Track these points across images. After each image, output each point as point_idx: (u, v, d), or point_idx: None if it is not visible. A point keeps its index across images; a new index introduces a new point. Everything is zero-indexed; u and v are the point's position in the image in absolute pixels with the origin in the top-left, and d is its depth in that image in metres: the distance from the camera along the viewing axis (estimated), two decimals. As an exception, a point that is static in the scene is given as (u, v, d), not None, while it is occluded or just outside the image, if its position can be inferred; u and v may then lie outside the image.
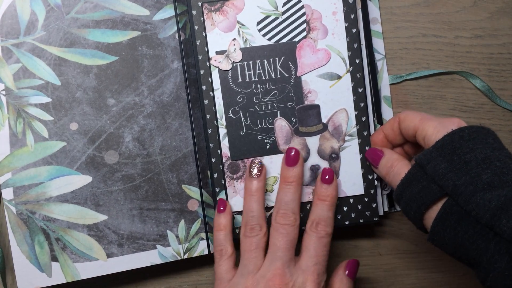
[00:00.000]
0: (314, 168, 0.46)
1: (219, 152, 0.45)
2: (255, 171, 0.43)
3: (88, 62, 0.42)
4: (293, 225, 0.40)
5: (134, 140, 0.43)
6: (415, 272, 0.50)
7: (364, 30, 0.46)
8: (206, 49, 0.45)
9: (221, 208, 0.44)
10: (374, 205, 0.46)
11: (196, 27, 0.45)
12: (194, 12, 0.44)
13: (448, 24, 0.49)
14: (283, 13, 0.45)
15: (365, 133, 0.45)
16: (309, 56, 0.45)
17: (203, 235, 0.44)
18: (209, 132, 0.45)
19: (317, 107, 0.45)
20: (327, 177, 0.42)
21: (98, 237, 0.42)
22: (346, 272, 0.43)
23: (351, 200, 0.46)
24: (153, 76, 0.43)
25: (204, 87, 0.45)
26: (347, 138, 0.46)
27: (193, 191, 0.44)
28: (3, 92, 0.40)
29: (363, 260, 0.50)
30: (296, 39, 0.45)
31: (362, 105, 0.45)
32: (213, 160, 0.45)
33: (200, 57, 0.45)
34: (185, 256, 0.44)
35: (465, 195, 0.33)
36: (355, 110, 0.45)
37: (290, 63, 0.45)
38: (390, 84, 0.49)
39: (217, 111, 0.45)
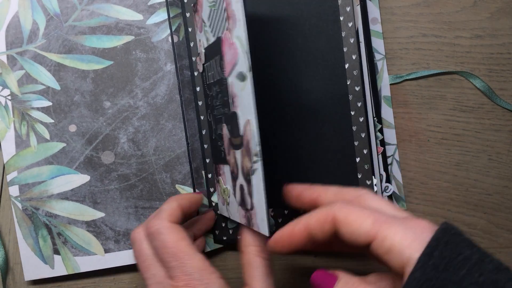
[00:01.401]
0: (241, 188, 0.39)
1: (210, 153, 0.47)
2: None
3: (85, 67, 0.46)
4: None
5: (129, 141, 0.46)
6: None
7: (364, 30, 0.45)
8: (198, 51, 0.46)
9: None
10: None
11: (190, 29, 0.47)
12: (187, 14, 0.46)
13: (448, 24, 0.49)
14: (216, 3, 0.38)
15: (363, 135, 0.41)
16: (228, 52, 0.37)
17: (196, 233, 0.47)
18: (203, 133, 0.47)
19: (234, 116, 0.37)
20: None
21: (96, 233, 0.46)
22: None
23: None
24: (147, 79, 0.46)
25: (198, 88, 0.47)
26: (254, 158, 0.35)
27: (187, 191, 0.47)
28: (9, 97, 0.45)
29: (363, 260, 0.51)
30: (222, 34, 0.38)
31: (359, 104, 0.40)
32: (207, 160, 0.47)
33: (194, 59, 0.47)
34: (179, 254, 0.46)
35: None
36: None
37: (222, 62, 0.39)
38: (390, 84, 0.49)
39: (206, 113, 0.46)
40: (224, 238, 0.48)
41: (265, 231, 0.35)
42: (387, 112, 0.49)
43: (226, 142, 0.41)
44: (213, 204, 0.48)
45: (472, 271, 0.25)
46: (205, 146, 0.47)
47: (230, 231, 0.48)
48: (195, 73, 0.47)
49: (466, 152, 0.50)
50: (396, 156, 0.49)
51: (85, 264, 0.46)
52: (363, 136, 0.42)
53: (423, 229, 0.28)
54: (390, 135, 0.49)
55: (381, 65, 0.48)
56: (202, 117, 0.47)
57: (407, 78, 0.49)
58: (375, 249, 0.28)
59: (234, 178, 0.40)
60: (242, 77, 0.35)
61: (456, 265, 0.25)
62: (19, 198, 0.46)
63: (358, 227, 0.29)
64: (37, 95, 0.45)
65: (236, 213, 0.41)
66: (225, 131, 0.41)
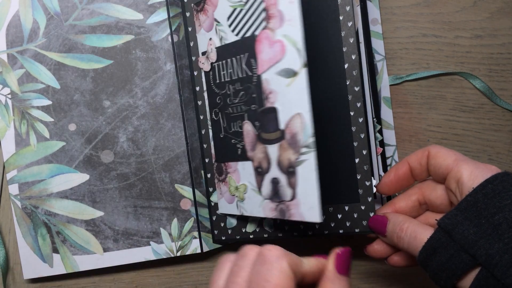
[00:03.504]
0: (274, 182, 0.42)
1: (211, 152, 0.49)
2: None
3: (85, 66, 0.48)
4: None
5: (129, 140, 0.49)
6: (415, 272, 0.53)
7: (364, 31, 0.46)
8: (197, 50, 0.49)
9: None
10: (371, 215, 0.44)
11: (189, 29, 0.49)
12: (188, 14, 0.49)
13: (448, 24, 0.51)
14: (246, 2, 0.42)
15: (362, 136, 0.43)
16: (267, 50, 0.40)
17: (195, 233, 0.49)
18: (203, 133, 0.50)
19: (274, 111, 0.40)
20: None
21: (95, 232, 0.49)
22: (336, 270, 0.35)
23: (346, 208, 0.45)
24: (147, 78, 0.49)
25: (197, 88, 0.49)
26: (303, 150, 0.38)
27: (186, 191, 0.49)
28: (9, 96, 0.47)
29: (363, 260, 0.53)
30: (257, 32, 0.41)
31: (358, 105, 0.42)
32: (207, 160, 0.50)
33: (193, 58, 0.49)
34: (178, 254, 0.49)
35: (501, 267, 0.31)
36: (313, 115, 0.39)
37: (252, 60, 0.42)
38: (390, 85, 0.51)
39: (207, 112, 0.49)
40: (223, 238, 0.50)
41: (316, 218, 0.39)
42: (386, 113, 0.51)
43: (250, 139, 0.44)
44: (212, 204, 0.50)
45: (508, 203, 0.33)
46: (205, 146, 0.49)
47: (229, 231, 0.50)
48: (195, 73, 0.49)
49: (466, 152, 0.52)
50: (396, 157, 0.51)
51: (84, 263, 0.49)
52: (362, 137, 0.44)
53: (489, 171, 0.35)
54: (390, 136, 0.52)
55: (381, 66, 0.51)
56: (201, 117, 0.49)
57: (406, 79, 0.51)
58: (449, 178, 0.38)
59: (262, 173, 0.43)
60: (289, 74, 0.39)
61: (504, 196, 0.33)
62: (18, 197, 0.48)
63: (443, 160, 0.38)
64: (37, 94, 0.48)
65: (258, 208, 0.44)
66: (248, 127, 0.44)
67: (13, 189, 0.48)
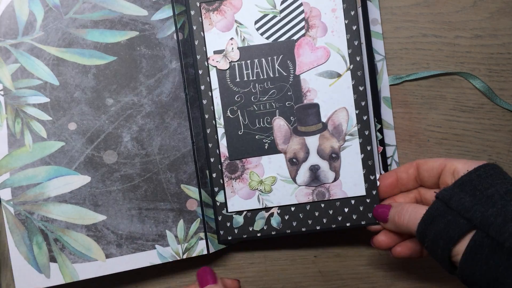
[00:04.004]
0: (314, 168, 0.49)
1: (217, 152, 0.49)
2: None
3: (86, 62, 0.46)
4: None
5: (133, 140, 0.47)
6: (415, 272, 0.54)
7: (364, 31, 0.50)
8: (205, 49, 0.49)
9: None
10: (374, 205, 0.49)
11: (194, 27, 0.49)
12: (192, 12, 0.49)
13: (448, 24, 0.53)
14: (281, 11, 0.49)
15: (366, 132, 0.49)
16: (308, 55, 0.49)
17: (202, 235, 0.49)
18: (208, 132, 0.50)
19: (316, 106, 0.49)
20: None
21: (97, 237, 0.46)
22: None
23: (352, 201, 0.49)
24: (152, 76, 0.48)
25: (202, 87, 0.49)
26: (347, 137, 0.49)
27: (192, 191, 0.48)
28: (1, 92, 0.44)
29: (363, 260, 0.55)
30: (295, 37, 0.49)
31: (363, 103, 0.48)
32: (212, 160, 0.50)
33: (198, 57, 0.49)
34: (184, 256, 0.48)
35: (496, 226, 0.35)
36: (356, 109, 0.49)
37: (288, 62, 0.49)
38: (390, 85, 0.53)
39: (215, 111, 0.49)
40: (229, 238, 0.50)
41: (362, 191, 0.49)
42: (386, 113, 0.53)
43: (282, 133, 0.49)
44: (218, 204, 0.50)
45: (499, 182, 0.38)
46: (210, 145, 0.50)
47: (236, 231, 0.50)
48: (200, 72, 0.50)
49: (466, 152, 0.54)
50: (396, 157, 0.54)
51: (85, 271, 0.47)
52: (366, 134, 0.49)
53: (480, 162, 0.41)
54: (390, 136, 0.54)
55: (381, 66, 0.53)
56: (206, 116, 0.50)
57: (406, 79, 0.53)
58: (444, 173, 0.43)
59: (296, 163, 0.50)
60: (332, 75, 0.49)
61: (495, 177, 0.39)
62: (11, 202, 0.45)
63: (434, 162, 0.44)
64: (33, 91, 0.45)
65: (289, 196, 0.50)
66: (280, 122, 0.49)
67: (5, 194, 0.45)
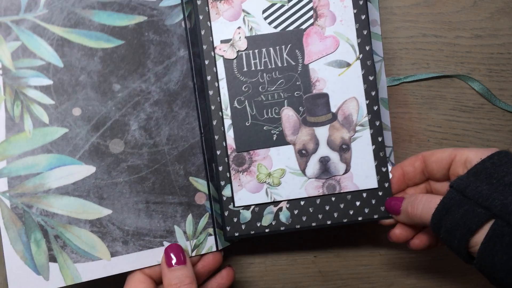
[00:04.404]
0: (324, 160, 0.49)
1: (224, 144, 0.49)
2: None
3: (93, 45, 0.44)
4: None
5: (141, 128, 0.45)
6: (415, 272, 0.55)
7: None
8: (211, 39, 0.49)
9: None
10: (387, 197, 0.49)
11: (200, 17, 0.49)
12: (198, 2, 0.49)
13: (448, 24, 0.55)
14: (290, 0, 0.49)
15: (377, 123, 0.49)
16: (317, 44, 0.49)
17: (211, 230, 0.47)
18: (214, 124, 0.49)
19: (325, 96, 0.49)
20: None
21: (102, 233, 0.43)
22: (166, 264, 0.44)
23: (364, 195, 0.49)
24: (160, 63, 0.47)
25: (208, 77, 0.49)
26: (358, 128, 0.49)
27: (201, 184, 0.47)
28: (0, 72, 0.41)
29: (363, 260, 0.56)
30: (303, 27, 0.49)
31: (373, 93, 0.49)
32: (218, 152, 0.49)
33: (204, 47, 0.49)
34: (193, 254, 0.46)
35: None
36: (366, 99, 0.49)
37: (297, 51, 0.49)
38: (388, 86, 0.55)
39: (222, 102, 0.49)
40: (236, 234, 0.49)
41: (374, 184, 0.49)
42: (383, 114, 0.55)
43: (291, 123, 0.49)
44: (224, 198, 0.49)
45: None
46: (216, 137, 0.49)
47: (243, 226, 0.49)
48: (206, 62, 0.49)
49: None
50: (392, 159, 0.55)
51: (88, 271, 0.43)
52: (377, 124, 0.50)
53: (492, 150, 0.41)
54: (386, 137, 0.55)
55: (379, 67, 0.55)
56: (213, 107, 0.49)
57: (404, 81, 0.55)
58: (455, 164, 0.43)
59: (306, 154, 0.49)
60: (341, 64, 0.49)
61: (510, 164, 0.39)
62: (7, 194, 0.41)
63: (442, 153, 0.44)
64: (35, 72, 0.42)
65: (298, 190, 0.49)
66: (289, 113, 0.49)
67: (1, 184, 0.41)
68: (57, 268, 0.42)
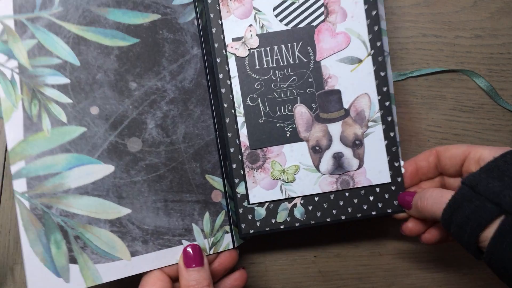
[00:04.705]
0: (337, 156, 0.50)
1: (237, 141, 0.49)
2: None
3: (108, 43, 0.45)
4: None
5: (157, 127, 0.46)
6: (415, 272, 0.56)
7: None
8: (222, 37, 0.50)
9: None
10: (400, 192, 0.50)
11: (211, 15, 0.50)
12: (209, 0, 0.50)
13: (448, 24, 0.56)
14: None
15: (389, 119, 0.50)
16: (328, 40, 0.50)
17: (227, 228, 0.48)
18: (227, 121, 0.49)
19: (338, 93, 0.50)
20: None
21: (121, 233, 0.43)
22: (184, 265, 0.45)
23: (377, 189, 0.50)
24: (174, 61, 0.47)
25: (220, 75, 0.50)
26: (370, 124, 0.50)
27: (217, 181, 0.48)
28: (16, 70, 0.41)
29: (363, 260, 0.57)
30: (314, 23, 0.50)
31: (385, 89, 0.50)
32: (232, 150, 0.49)
33: (216, 45, 0.50)
34: (211, 252, 0.47)
35: None
36: (378, 95, 0.50)
37: (308, 48, 0.50)
38: (394, 81, 0.56)
39: (235, 99, 0.49)
40: (251, 231, 0.50)
41: (387, 178, 0.49)
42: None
43: (304, 120, 0.50)
44: (238, 196, 0.49)
45: None
46: (229, 135, 0.49)
47: (258, 223, 0.50)
48: (218, 60, 0.49)
49: None
50: (399, 153, 0.56)
51: (108, 272, 0.43)
52: (389, 120, 0.52)
53: (505, 148, 0.41)
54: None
55: (385, 62, 0.56)
56: (225, 105, 0.49)
57: (410, 75, 0.56)
58: (468, 161, 0.44)
59: (319, 150, 0.50)
60: (353, 61, 0.50)
61: None
62: (26, 195, 0.40)
63: (456, 149, 0.45)
64: (52, 70, 0.42)
65: (312, 186, 0.50)
66: (302, 109, 0.50)
67: (19, 185, 0.41)
68: (77, 270, 0.42)
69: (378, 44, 0.51)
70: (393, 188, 0.50)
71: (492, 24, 0.56)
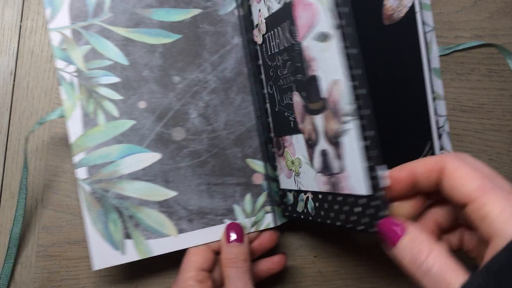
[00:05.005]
0: (324, 154, 0.42)
1: (271, 127, 0.51)
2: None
3: (153, 42, 0.49)
4: None
5: (200, 116, 0.49)
6: None
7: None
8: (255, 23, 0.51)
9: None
10: (378, 211, 0.37)
11: (250, 2, 0.51)
12: (247, -12, 0.51)
13: (448, 24, 0.55)
14: None
15: (367, 112, 0.37)
16: (303, 15, 0.40)
17: (268, 208, 0.51)
18: (265, 107, 0.52)
19: (315, 80, 0.41)
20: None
21: (169, 213, 0.49)
22: (226, 240, 0.49)
23: (358, 201, 0.39)
24: (215, 52, 0.50)
25: (260, 62, 0.51)
26: (345, 118, 0.38)
27: (258, 165, 0.51)
28: (75, 74, 0.47)
29: (363, 260, 0.57)
30: None
31: (359, 72, 0.36)
32: (272, 135, 0.52)
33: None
34: (252, 230, 0.51)
35: None
36: (351, 80, 0.36)
37: (292, 27, 0.43)
38: (439, 56, 0.56)
39: (265, 87, 0.51)
40: (286, 214, 0.52)
41: (362, 191, 0.37)
42: (436, 84, 0.55)
43: (299, 110, 0.46)
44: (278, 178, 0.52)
45: None
46: (269, 119, 0.51)
47: (289, 208, 0.51)
48: (257, 47, 0.51)
49: (466, 152, 0.54)
50: (446, 127, 0.56)
51: (158, 247, 0.49)
52: (367, 114, 0.38)
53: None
54: (440, 107, 0.55)
55: (430, 37, 0.55)
56: (264, 91, 0.51)
57: (455, 49, 0.55)
58: (470, 211, 0.31)
59: (312, 145, 0.45)
60: (323, 37, 0.38)
61: None
62: (87, 181, 0.47)
63: (462, 185, 0.32)
64: (104, 71, 0.48)
65: (312, 182, 0.46)
66: (297, 98, 0.46)
67: (82, 173, 0.48)
68: (132, 244, 0.49)
69: (347, 10, 0.36)
70: (371, 204, 0.37)
71: (492, 24, 0.54)
